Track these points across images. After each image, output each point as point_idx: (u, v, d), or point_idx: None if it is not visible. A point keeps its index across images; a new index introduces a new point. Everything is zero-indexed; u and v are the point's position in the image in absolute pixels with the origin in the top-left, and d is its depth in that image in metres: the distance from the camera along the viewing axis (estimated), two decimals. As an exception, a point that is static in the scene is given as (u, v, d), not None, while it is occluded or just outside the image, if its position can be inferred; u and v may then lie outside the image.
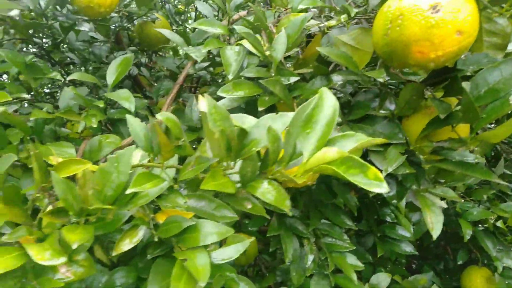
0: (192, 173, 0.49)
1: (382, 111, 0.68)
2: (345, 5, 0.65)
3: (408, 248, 1.18)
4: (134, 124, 0.65)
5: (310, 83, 0.71)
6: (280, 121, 0.45)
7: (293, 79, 0.71)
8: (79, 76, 0.90)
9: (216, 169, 0.45)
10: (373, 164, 0.46)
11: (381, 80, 0.61)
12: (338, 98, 0.75)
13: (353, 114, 0.72)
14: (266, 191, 0.44)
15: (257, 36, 0.74)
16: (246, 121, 0.50)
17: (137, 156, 0.59)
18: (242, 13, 0.96)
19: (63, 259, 0.50)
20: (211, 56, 1.07)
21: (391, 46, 0.53)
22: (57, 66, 1.24)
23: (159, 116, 0.55)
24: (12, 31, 1.10)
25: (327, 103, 0.42)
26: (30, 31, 1.07)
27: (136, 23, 1.29)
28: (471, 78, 0.55)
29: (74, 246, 0.47)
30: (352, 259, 1.00)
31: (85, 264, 0.56)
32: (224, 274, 0.71)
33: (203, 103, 0.44)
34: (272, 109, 0.73)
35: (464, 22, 0.48)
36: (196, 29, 1.29)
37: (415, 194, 0.72)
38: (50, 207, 0.53)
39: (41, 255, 0.49)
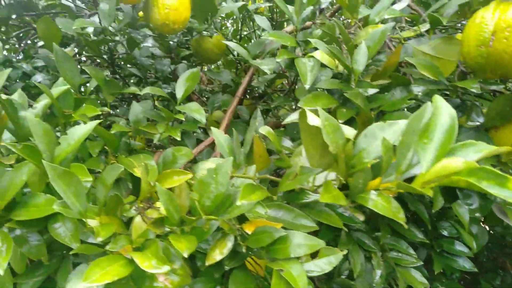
0: (293, 184, 0.50)
1: (469, 123, 0.66)
2: (432, 14, 0.65)
3: (467, 265, 1.14)
4: (219, 136, 0.67)
5: (390, 94, 0.71)
6: (390, 131, 0.45)
7: (372, 91, 0.71)
8: (151, 90, 0.93)
9: (328, 182, 0.45)
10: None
11: (474, 90, 0.60)
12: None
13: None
14: (378, 202, 0.44)
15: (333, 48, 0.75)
16: (346, 131, 0.50)
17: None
18: (308, 23, 0.97)
19: (166, 268, 0.51)
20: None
21: (493, 57, 0.52)
22: (119, 79, 1.30)
23: (261, 131, 0.56)
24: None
25: (444, 111, 0.41)
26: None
27: (193, 38, 1.32)
28: None
29: (185, 255, 0.48)
30: (418, 275, 0.98)
31: (181, 273, 0.57)
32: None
33: (313, 117, 0.44)
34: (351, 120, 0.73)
35: None
36: (252, 41, 1.31)
37: (501, 206, 0.70)
38: (153, 217, 0.55)
39: (148, 263, 0.50)
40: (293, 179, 0.50)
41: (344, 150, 0.44)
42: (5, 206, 0.59)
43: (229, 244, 0.62)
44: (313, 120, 0.44)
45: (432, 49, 0.69)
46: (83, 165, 0.63)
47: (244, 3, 1.19)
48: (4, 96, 0.67)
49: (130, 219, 0.62)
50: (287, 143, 0.81)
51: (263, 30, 1.20)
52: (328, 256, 0.58)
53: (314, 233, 0.90)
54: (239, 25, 1.52)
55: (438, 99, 0.42)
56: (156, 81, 1.37)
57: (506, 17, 0.51)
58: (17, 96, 0.76)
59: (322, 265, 0.57)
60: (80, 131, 0.63)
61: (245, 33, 1.66)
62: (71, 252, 0.56)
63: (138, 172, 0.72)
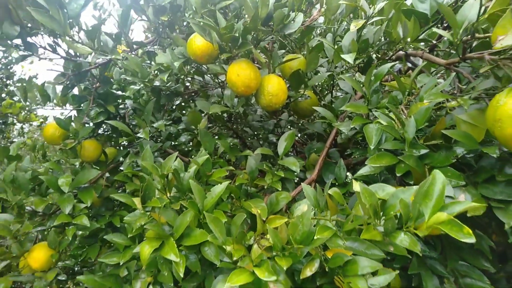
0: (352, 226, 0.77)
1: (501, 177, 0.84)
2: (463, 98, 0.86)
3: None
4: (307, 189, 0.97)
5: (438, 154, 0.93)
6: (407, 193, 0.70)
7: (423, 151, 0.94)
8: (262, 150, 1.28)
9: (369, 226, 0.72)
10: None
11: (494, 155, 0.79)
12: (462, 163, 0.95)
13: (477, 177, 0.90)
14: (403, 239, 0.69)
15: (392, 116, 1.00)
16: (386, 189, 0.76)
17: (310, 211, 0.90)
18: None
19: (274, 278, 0.82)
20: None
21: (498, 135, 0.72)
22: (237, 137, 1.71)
23: (329, 192, 0.85)
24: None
25: (438, 181, 0.65)
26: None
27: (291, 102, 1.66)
28: None
29: (285, 268, 0.79)
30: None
31: (283, 282, 0.88)
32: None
33: (357, 187, 0.72)
34: (408, 173, 0.96)
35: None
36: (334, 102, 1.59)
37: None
38: (265, 245, 0.87)
39: (263, 274, 0.82)
40: (352, 225, 0.78)
41: (377, 206, 0.71)
42: (178, 237, 0.98)
43: (316, 264, 0.90)
44: (356, 188, 0.72)
45: (470, 118, 0.89)
46: (221, 211, 0.99)
47: (330, 72, 1.49)
48: (173, 167, 1.08)
49: (250, 246, 0.95)
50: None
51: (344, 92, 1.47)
52: (384, 275, 0.82)
53: (391, 260, 1.14)
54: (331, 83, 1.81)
55: (436, 172, 0.66)
56: (267, 138, 1.73)
57: (500, 111, 0.71)
58: (177, 163, 1.18)
59: (380, 281, 0.82)
60: (218, 189, 1.00)
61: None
62: (218, 266, 0.92)
63: (254, 211, 1.07)
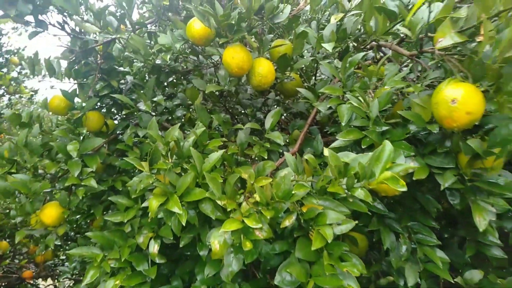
0: (322, 183, 0.98)
1: (441, 149, 1.06)
2: (417, 86, 1.06)
3: (498, 252, 1.43)
4: (288, 157, 1.17)
5: (395, 130, 1.13)
6: (365, 158, 0.90)
7: (384, 128, 1.14)
8: (251, 125, 1.47)
9: (335, 183, 0.93)
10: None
11: (435, 131, 1.00)
12: (416, 139, 1.16)
13: (425, 149, 1.11)
14: (360, 193, 0.90)
15: (360, 99, 1.20)
16: (349, 155, 0.97)
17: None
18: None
19: (259, 226, 1.03)
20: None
21: (435, 116, 0.93)
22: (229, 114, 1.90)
23: (305, 157, 1.05)
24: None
25: (387, 149, 0.86)
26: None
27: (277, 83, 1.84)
28: (491, 132, 0.91)
29: (268, 217, 0.99)
30: (441, 253, 1.34)
31: (267, 231, 1.09)
32: (341, 247, 1.17)
33: (326, 152, 0.92)
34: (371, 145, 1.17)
35: (472, 106, 0.86)
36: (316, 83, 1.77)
37: (472, 202, 1.07)
38: (252, 201, 1.07)
39: (251, 223, 1.02)
40: (322, 183, 0.98)
41: (341, 167, 0.91)
42: (181, 194, 1.17)
43: (293, 217, 1.11)
44: (325, 153, 0.92)
45: (422, 101, 1.09)
46: (217, 173, 1.18)
47: (313, 57, 1.67)
48: (175, 137, 1.27)
49: (240, 204, 1.16)
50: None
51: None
52: (346, 224, 1.04)
53: (355, 218, 1.36)
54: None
55: (386, 142, 0.87)
56: (255, 115, 1.91)
57: (437, 96, 0.92)
58: (177, 133, 1.36)
59: (343, 228, 1.03)
60: (214, 156, 1.19)
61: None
62: (214, 219, 1.12)
63: (244, 176, 1.26)
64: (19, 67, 4.88)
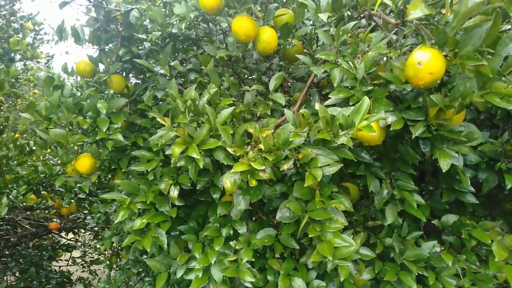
0: (313, 132, 1.20)
1: (414, 105, 1.27)
2: (395, 50, 1.25)
3: (471, 198, 1.66)
4: (288, 113, 1.39)
5: (378, 89, 1.34)
6: (348, 111, 1.12)
7: (369, 88, 1.35)
8: (257, 87, 1.68)
9: (323, 131, 1.15)
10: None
11: (408, 89, 1.20)
12: (397, 97, 1.37)
13: (402, 105, 1.33)
14: (343, 139, 1.12)
15: (350, 63, 1.40)
16: (336, 110, 1.19)
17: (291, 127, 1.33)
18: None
19: (263, 167, 1.26)
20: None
21: (406, 75, 1.14)
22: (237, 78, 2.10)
23: (301, 111, 1.27)
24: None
25: (365, 103, 1.07)
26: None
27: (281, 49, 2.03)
28: (452, 89, 1.12)
29: (270, 161, 1.23)
30: (418, 197, 1.58)
31: (270, 172, 1.32)
32: (331, 188, 1.41)
33: (317, 106, 1.14)
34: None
35: (434, 68, 1.07)
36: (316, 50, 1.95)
37: (438, 149, 1.29)
38: (257, 148, 1.30)
39: (257, 165, 1.26)
40: (314, 132, 1.21)
41: (329, 118, 1.13)
42: (198, 143, 1.41)
43: (291, 162, 1.34)
44: (316, 107, 1.13)
45: (401, 64, 1.29)
46: (228, 126, 1.41)
47: (313, 26, 1.85)
48: (192, 96, 1.49)
49: (247, 152, 1.39)
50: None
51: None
52: (333, 166, 1.27)
53: (346, 166, 1.58)
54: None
55: (364, 99, 1.08)
56: (260, 78, 2.11)
57: (408, 60, 1.12)
58: (193, 93, 1.58)
59: (330, 169, 1.27)
60: (226, 112, 1.42)
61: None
62: (226, 164, 1.36)
63: (251, 129, 1.49)
64: (33, 32, 5.05)
